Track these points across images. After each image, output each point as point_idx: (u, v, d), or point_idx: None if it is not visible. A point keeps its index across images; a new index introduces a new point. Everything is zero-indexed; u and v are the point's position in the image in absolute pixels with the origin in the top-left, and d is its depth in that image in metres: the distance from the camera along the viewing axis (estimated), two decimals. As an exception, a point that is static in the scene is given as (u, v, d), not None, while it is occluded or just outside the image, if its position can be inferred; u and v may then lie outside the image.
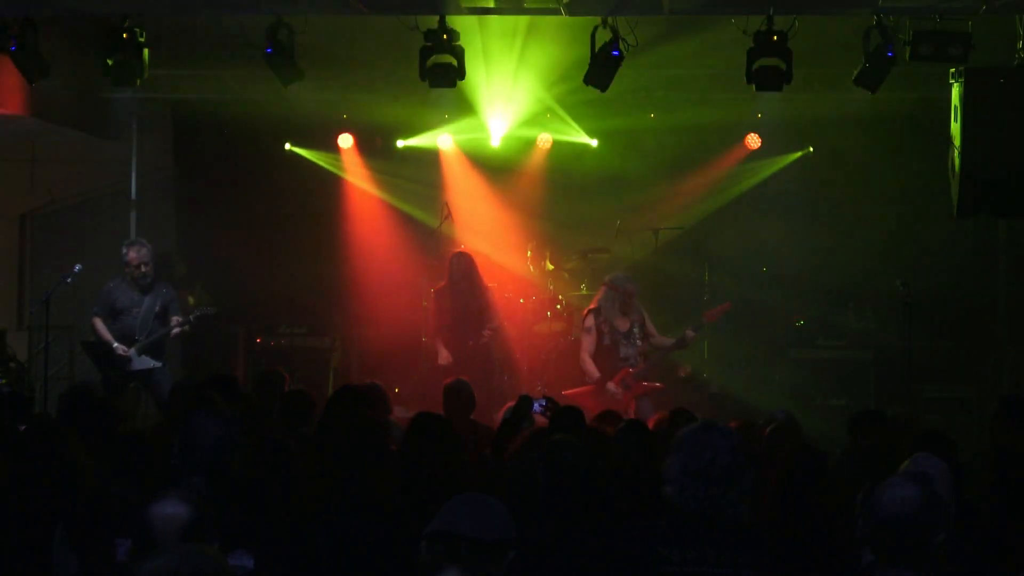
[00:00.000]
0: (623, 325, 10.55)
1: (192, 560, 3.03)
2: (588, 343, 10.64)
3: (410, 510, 4.91)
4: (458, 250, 12.06)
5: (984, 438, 10.58)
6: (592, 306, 10.81)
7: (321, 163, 13.69)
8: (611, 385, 10.39)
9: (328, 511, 4.98)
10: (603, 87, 10.25)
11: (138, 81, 10.40)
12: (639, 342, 10.58)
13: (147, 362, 10.78)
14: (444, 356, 11.36)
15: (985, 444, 8.53)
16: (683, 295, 12.78)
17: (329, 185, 13.72)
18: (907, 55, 9.66)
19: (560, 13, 9.53)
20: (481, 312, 11.51)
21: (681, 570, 4.14)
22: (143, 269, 10.85)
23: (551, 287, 12.79)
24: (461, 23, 10.25)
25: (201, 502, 3.95)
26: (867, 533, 3.83)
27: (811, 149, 13.09)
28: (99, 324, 10.94)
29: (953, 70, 10.01)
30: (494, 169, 13.50)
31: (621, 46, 9.82)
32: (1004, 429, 7.17)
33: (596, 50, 9.93)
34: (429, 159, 13.62)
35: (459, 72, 10.09)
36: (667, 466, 4.29)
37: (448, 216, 12.92)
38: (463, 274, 11.49)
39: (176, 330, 10.89)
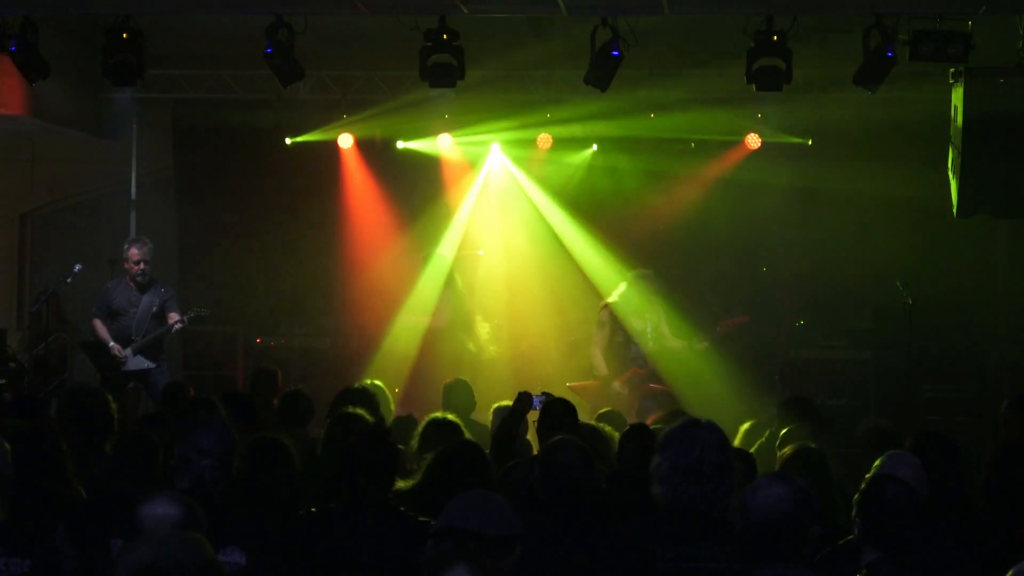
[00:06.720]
0: (637, 323, 10.42)
1: (172, 551, 2.84)
2: (600, 337, 10.48)
3: (408, 511, 4.91)
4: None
5: (985, 437, 10.62)
6: (609, 300, 10.68)
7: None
8: (616, 384, 10.31)
9: (324, 511, 4.98)
10: (603, 87, 10.24)
11: (138, 81, 10.40)
12: (652, 342, 10.44)
13: (141, 362, 10.79)
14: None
15: (993, 442, 8.54)
16: (686, 297, 12.74)
17: (329, 185, 13.69)
18: (907, 55, 9.64)
19: (561, 13, 9.52)
20: (476, 314, 11.52)
21: (674, 567, 4.15)
22: (142, 267, 10.85)
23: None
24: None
25: (194, 502, 3.94)
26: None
27: (809, 142, 13.05)
28: (98, 324, 10.96)
29: (953, 70, 10.01)
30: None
31: (621, 46, 9.82)
32: (1015, 425, 7.24)
33: (596, 50, 9.92)
34: (429, 159, 13.61)
35: (459, 72, 10.09)
36: (656, 465, 4.31)
37: None
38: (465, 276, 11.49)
39: (177, 327, 10.88)
